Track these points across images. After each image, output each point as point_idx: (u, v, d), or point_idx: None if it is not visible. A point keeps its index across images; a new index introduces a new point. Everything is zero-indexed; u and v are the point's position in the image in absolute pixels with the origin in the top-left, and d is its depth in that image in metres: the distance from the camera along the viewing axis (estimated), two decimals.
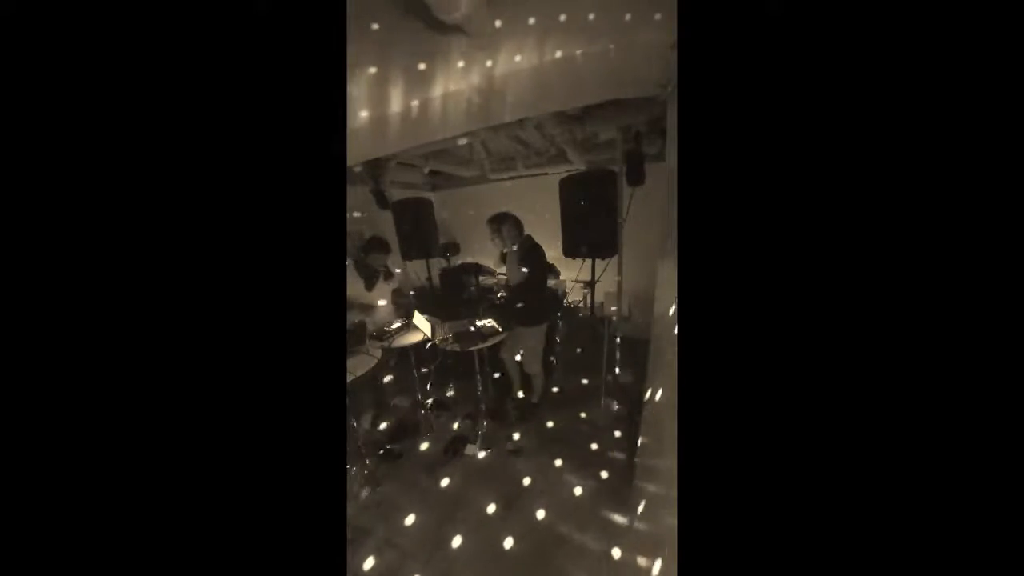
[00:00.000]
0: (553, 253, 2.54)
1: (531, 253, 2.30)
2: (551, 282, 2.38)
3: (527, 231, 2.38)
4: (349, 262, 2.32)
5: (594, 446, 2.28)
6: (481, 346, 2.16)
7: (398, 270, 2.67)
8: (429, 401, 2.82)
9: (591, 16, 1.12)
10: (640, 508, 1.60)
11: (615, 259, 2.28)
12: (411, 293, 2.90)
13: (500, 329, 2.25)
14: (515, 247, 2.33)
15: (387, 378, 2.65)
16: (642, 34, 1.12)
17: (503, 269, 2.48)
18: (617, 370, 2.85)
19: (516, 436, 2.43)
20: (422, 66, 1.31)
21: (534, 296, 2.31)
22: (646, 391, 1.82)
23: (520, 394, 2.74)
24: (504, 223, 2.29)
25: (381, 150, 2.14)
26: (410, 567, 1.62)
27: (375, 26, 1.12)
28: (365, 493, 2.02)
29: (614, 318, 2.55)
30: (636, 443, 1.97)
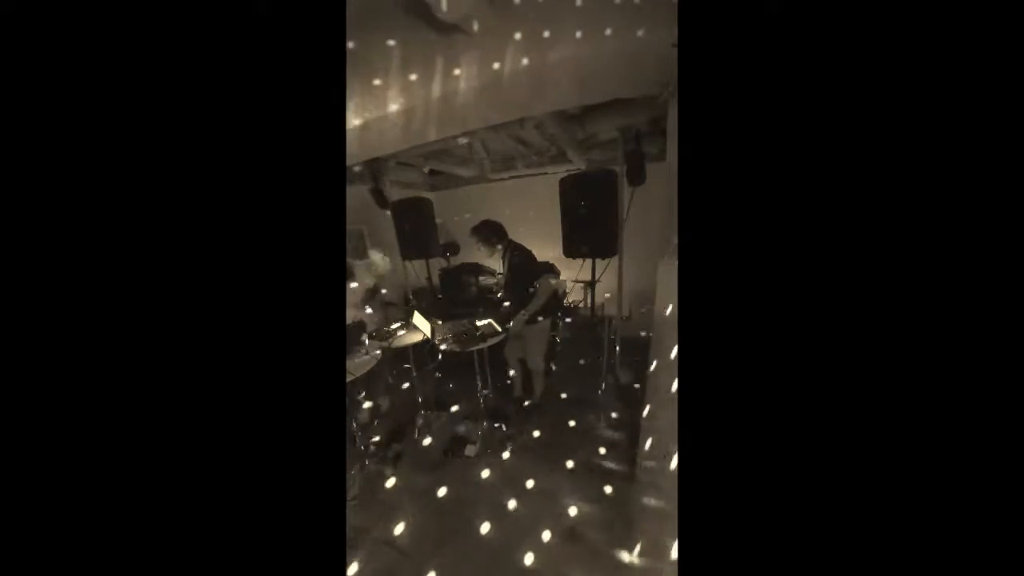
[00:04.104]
0: (553, 253, 2.53)
1: (515, 256, 2.34)
2: (552, 282, 2.38)
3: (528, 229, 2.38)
4: None
5: (594, 446, 2.28)
6: (481, 346, 2.16)
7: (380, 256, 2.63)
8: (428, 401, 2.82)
9: (592, 16, 1.12)
10: (641, 508, 1.60)
11: (615, 259, 2.28)
12: (386, 301, 2.86)
13: (500, 329, 2.25)
14: (501, 252, 2.36)
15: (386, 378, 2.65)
16: (643, 34, 1.12)
17: (502, 269, 2.49)
18: (617, 370, 2.84)
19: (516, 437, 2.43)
20: (422, 65, 1.31)
21: (519, 295, 2.34)
22: (646, 391, 1.82)
23: (521, 394, 2.74)
24: (484, 230, 2.32)
25: (381, 150, 2.14)
26: (409, 568, 1.62)
27: (375, 26, 1.12)
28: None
29: (614, 319, 2.55)
30: (636, 443, 1.97)
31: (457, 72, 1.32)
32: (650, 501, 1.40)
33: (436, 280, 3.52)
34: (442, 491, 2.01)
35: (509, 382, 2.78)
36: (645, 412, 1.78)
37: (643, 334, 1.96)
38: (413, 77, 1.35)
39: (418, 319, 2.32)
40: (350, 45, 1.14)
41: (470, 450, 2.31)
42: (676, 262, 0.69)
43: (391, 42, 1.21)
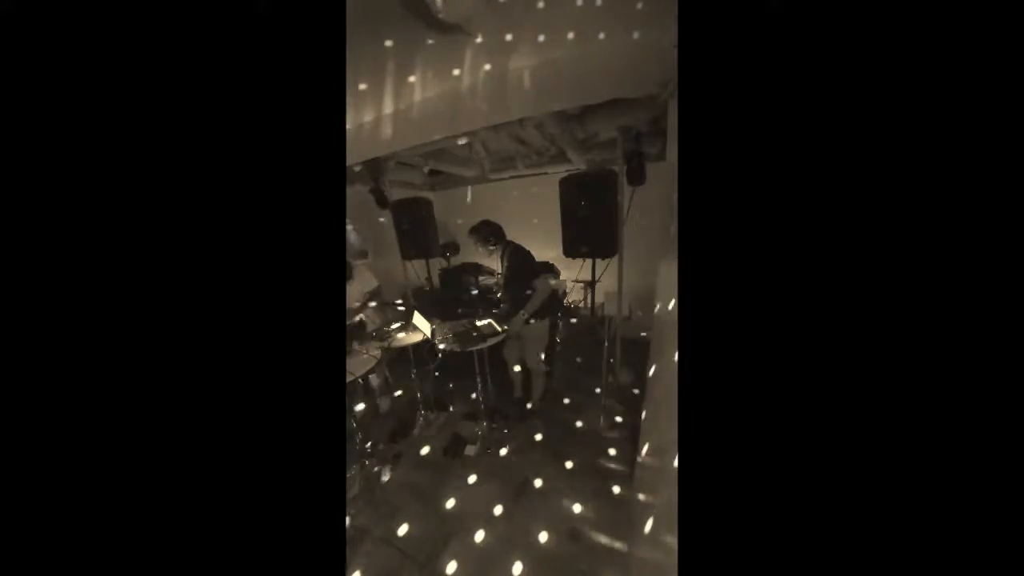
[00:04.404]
0: (553, 253, 2.53)
1: (514, 256, 2.34)
2: (552, 282, 2.38)
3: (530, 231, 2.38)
4: None
5: (594, 447, 2.28)
6: (481, 346, 2.16)
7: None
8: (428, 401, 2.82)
9: (592, 15, 1.12)
10: (641, 508, 1.60)
11: (615, 259, 2.28)
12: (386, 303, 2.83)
13: (500, 329, 2.25)
14: (499, 251, 2.37)
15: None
16: (643, 33, 1.12)
17: (501, 269, 2.49)
18: (617, 371, 2.84)
19: (515, 436, 2.43)
20: (422, 66, 1.31)
21: (518, 294, 2.34)
22: (646, 391, 1.82)
23: (521, 395, 2.74)
24: (483, 230, 2.33)
25: (381, 150, 2.14)
26: (409, 569, 1.62)
27: (375, 26, 1.12)
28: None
29: (614, 319, 2.55)
30: (636, 443, 1.97)
31: (456, 71, 1.32)
32: (649, 499, 1.40)
33: (436, 280, 3.52)
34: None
35: (512, 391, 2.78)
36: (644, 413, 1.78)
37: (643, 334, 1.96)
38: (412, 76, 1.35)
39: (418, 319, 2.32)
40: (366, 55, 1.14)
41: (470, 450, 2.31)
42: (676, 262, 0.69)
43: (391, 41, 1.21)
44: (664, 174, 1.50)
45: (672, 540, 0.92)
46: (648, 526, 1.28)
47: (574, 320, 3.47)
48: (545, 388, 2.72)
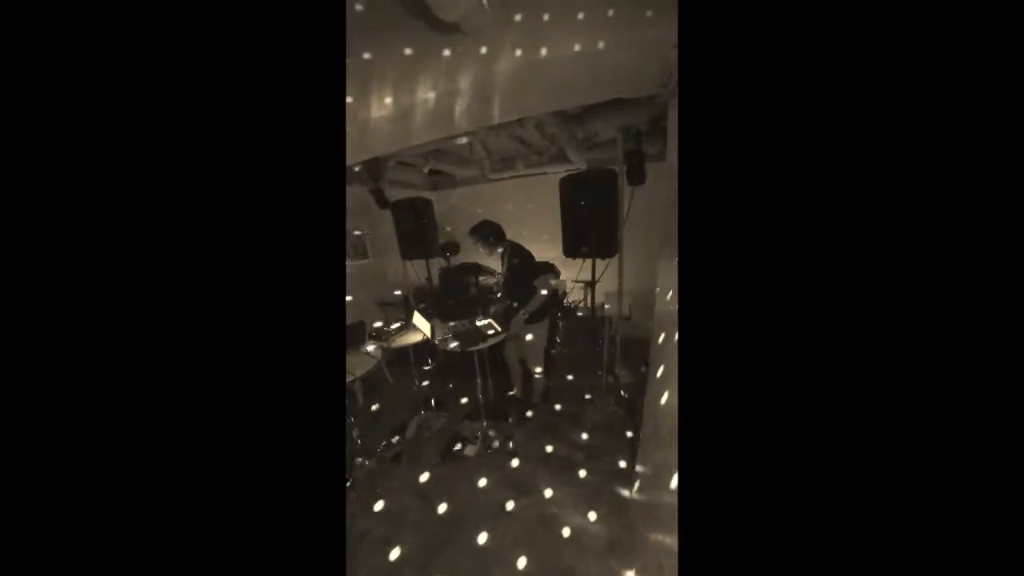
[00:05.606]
0: (553, 253, 2.53)
1: (514, 256, 2.35)
2: (552, 282, 2.38)
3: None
4: None
5: (595, 446, 2.28)
6: (481, 346, 2.16)
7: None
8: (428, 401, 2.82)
9: (592, 15, 1.12)
10: (640, 510, 1.60)
11: (615, 259, 2.28)
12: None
13: (500, 329, 2.25)
14: (499, 251, 2.37)
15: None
16: (643, 33, 1.12)
17: (501, 269, 2.50)
18: (617, 370, 2.84)
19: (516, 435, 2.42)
20: (422, 66, 1.31)
21: (518, 294, 2.35)
22: (646, 391, 1.82)
23: (520, 395, 2.74)
24: (483, 230, 2.33)
25: (381, 150, 2.14)
26: (408, 570, 1.62)
27: (375, 26, 1.12)
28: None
29: (614, 318, 2.56)
30: (636, 443, 1.97)
31: (456, 71, 1.32)
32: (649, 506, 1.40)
33: (436, 280, 3.52)
34: None
35: (512, 391, 2.78)
36: (644, 413, 1.78)
37: (643, 334, 1.96)
38: (412, 76, 1.35)
39: (418, 319, 2.33)
40: (366, 56, 1.14)
41: (470, 450, 2.31)
42: (676, 261, 0.69)
43: (391, 41, 1.21)
44: (664, 174, 1.50)
45: (672, 543, 0.92)
46: (648, 531, 1.28)
47: (574, 320, 3.46)
48: (545, 388, 2.72)
